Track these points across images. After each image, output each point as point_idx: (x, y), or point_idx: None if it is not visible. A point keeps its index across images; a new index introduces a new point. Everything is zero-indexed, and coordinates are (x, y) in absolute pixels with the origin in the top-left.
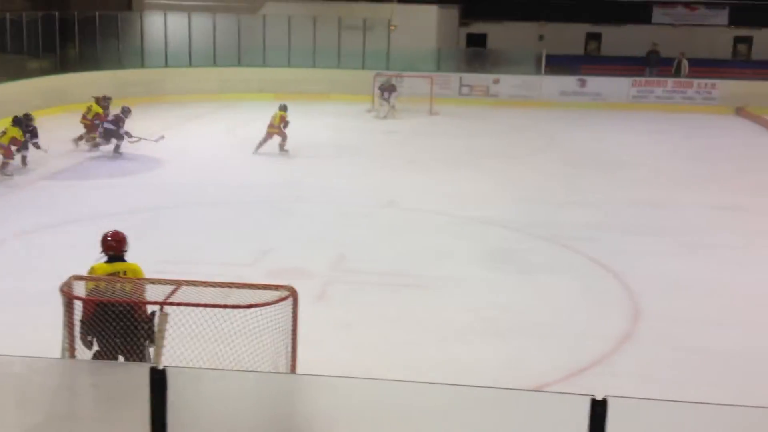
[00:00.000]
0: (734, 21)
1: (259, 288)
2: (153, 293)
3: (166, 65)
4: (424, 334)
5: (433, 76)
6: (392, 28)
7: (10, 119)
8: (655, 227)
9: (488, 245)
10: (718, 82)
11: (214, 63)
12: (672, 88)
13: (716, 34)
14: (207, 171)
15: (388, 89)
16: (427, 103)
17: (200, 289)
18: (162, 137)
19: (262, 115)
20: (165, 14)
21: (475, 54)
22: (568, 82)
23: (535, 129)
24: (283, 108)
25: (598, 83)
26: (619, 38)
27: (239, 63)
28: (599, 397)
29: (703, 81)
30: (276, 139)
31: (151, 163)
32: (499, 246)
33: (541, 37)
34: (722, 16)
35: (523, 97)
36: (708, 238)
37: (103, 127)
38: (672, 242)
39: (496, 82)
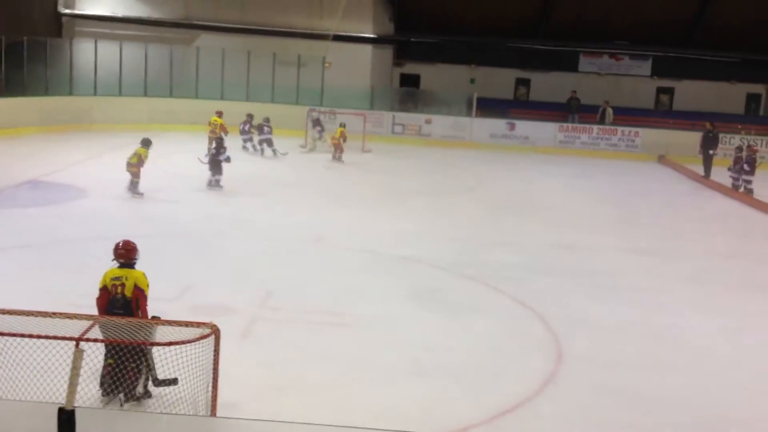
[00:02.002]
0: (657, 72)
1: (180, 325)
2: (68, 329)
3: (95, 93)
4: (349, 374)
5: (367, 113)
6: (327, 65)
7: None
8: (577, 269)
9: (414, 284)
10: (641, 130)
11: (145, 93)
12: (597, 134)
13: (640, 84)
14: (131, 202)
15: (316, 123)
16: (360, 140)
17: (118, 324)
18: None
19: (191, 146)
20: (96, 42)
21: (409, 94)
22: (498, 125)
23: (465, 169)
24: (146, 144)
25: (526, 127)
26: (547, 84)
27: (170, 94)
28: None
29: (626, 129)
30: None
31: (74, 193)
32: (425, 285)
33: (472, 80)
34: (645, 67)
35: (454, 138)
36: (627, 280)
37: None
38: (593, 284)
39: (429, 122)
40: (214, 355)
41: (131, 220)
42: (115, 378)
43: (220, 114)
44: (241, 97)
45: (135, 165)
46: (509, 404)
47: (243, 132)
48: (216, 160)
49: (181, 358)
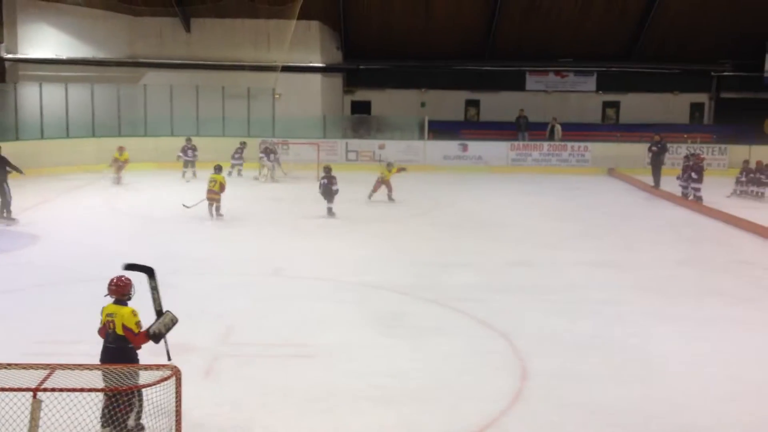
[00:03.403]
0: (602, 87)
1: (139, 368)
2: (25, 379)
3: (42, 137)
4: (315, 406)
5: (320, 142)
6: (276, 96)
7: None
8: (536, 286)
9: (376, 310)
10: (590, 144)
11: (93, 134)
12: (548, 151)
13: (586, 99)
14: (84, 245)
15: (266, 152)
16: (314, 169)
17: (76, 372)
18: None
19: (143, 185)
20: (41, 85)
21: (360, 120)
22: (451, 146)
23: (420, 193)
24: (219, 170)
25: (479, 147)
26: (496, 104)
27: (119, 133)
28: None
29: (576, 144)
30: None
31: (26, 239)
32: (386, 310)
33: (423, 104)
34: (590, 83)
35: (408, 162)
36: (585, 294)
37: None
38: (552, 300)
39: (382, 147)
40: (176, 397)
41: (85, 264)
42: (106, 412)
43: (121, 149)
44: (191, 132)
45: (217, 192)
46: (478, 425)
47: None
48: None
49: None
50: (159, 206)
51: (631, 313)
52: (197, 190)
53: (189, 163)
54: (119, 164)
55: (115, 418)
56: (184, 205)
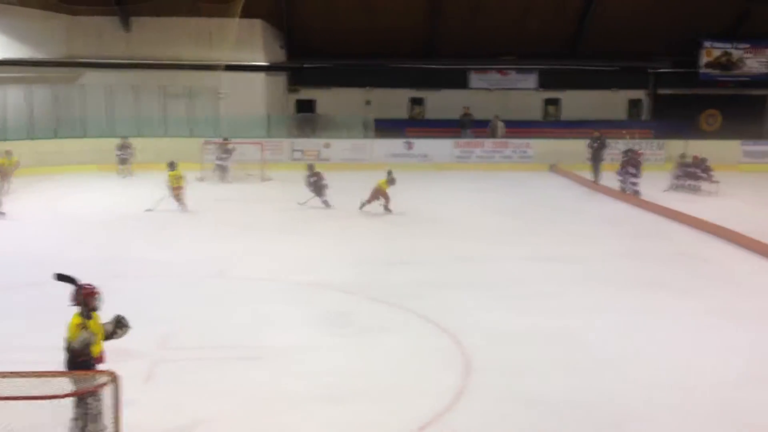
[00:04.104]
0: (543, 84)
1: (78, 375)
2: None
3: None
4: (261, 408)
5: (264, 142)
6: (219, 95)
7: None
8: (481, 281)
9: (321, 309)
10: (531, 141)
11: (29, 136)
12: (491, 148)
13: (527, 97)
14: (23, 250)
15: (225, 151)
16: (259, 168)
17: (12, 380)
18: None
19: (83, 187)
20: None
21: (305, 119)
22: (396, 144)
23: (366, 191)
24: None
25: (424, 145)
26: (441, 102)
27: (56, 135)
28: None
29: (518, 141)
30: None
31: None
32: (332, 309)
33: (368, 102)
34: (532, 80)
35: (354, 160)
36: (529, 288)
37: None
38: (497, 294)
39: (327, 146)
40: (115, 403)
41: (21, 267)
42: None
43: (9, 153)
44: (132, 133)
45: (182, 186)
46: (425, 421)
47: None
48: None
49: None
50: (99, 209)
51: (573, 306)
52: (137, 190)
53: (124, 161)
54: (4, 170)
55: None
56: (147, 210)
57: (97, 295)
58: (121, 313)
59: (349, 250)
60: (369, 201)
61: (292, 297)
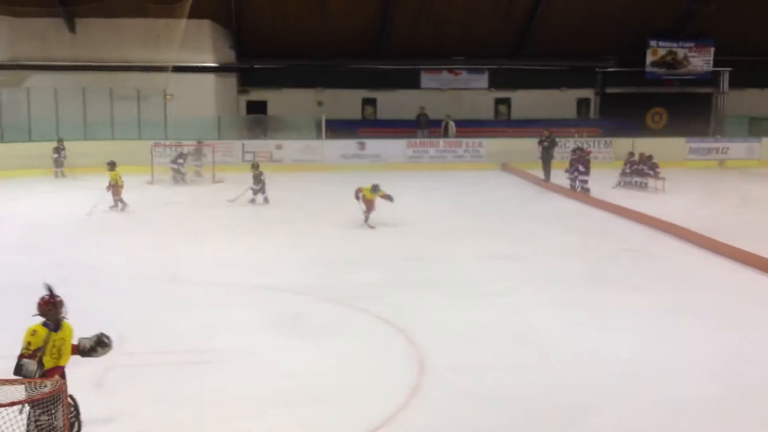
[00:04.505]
0: (493, 84)
1: (22, 383)
2: None
3: None
4: (215, 413)
5: (215, 143)
6: (168, 97)
7: None
8: (434, 280)
9: (276, 312)
10: (483, 140)
11: None
12: (444, 147)
13: (478, 96)
14: None
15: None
16: (210, 171)
17: None
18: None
19: (28, 192)
20: None
21: (256, 121)
22: (349, 145)
23: (320, 192)
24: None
25: (376, 145)
26: (393, 103)
27: (2, 139)
28: None
29: (470, 140)
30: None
31: None
32: (286, 312)
33: (320, 103)
34: (483, 80)
35: (307, 162)
36: (482, 286)
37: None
38: (450, 293)
39: (279, 147)
40: (63, 411)
41: None
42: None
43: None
44: (79, 137)
45: (122, 185)
46: (379, 421)
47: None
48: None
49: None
50: (46, 213)
51: (525, 303)
52: (83, 192)
53: (59, 163)
54: None
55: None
56: (229, 200)
57: (52, 305)
58: (104, 332)
59: (303, 251)
60: (368, 211)
61: (245, 300)
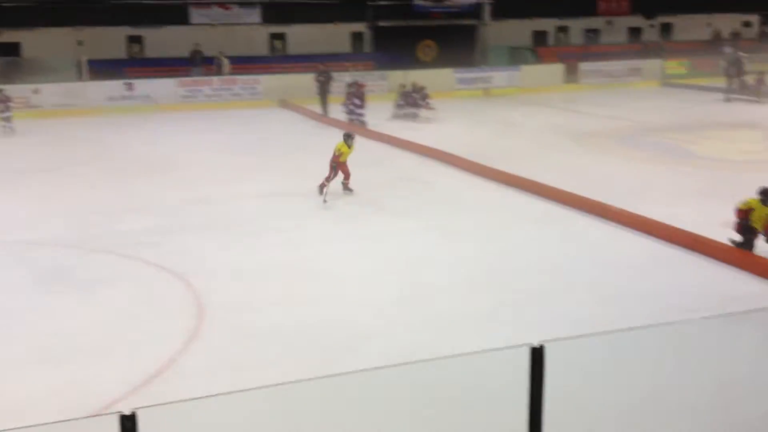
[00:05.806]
0: (267, 19)
1: None
2: None
3: None
4: None
5: None
6: None
7: None
8: (214, 222)
9: (38, 268)
10: (260, 77)
11: None
12: (218, 86)
13: (252, 32)
14: None
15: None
16: None
17: None
18: None
19: None
20: None
21: (10, 64)
22: (115, 86)
23: (84, 139)
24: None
25: (145, 86)
26: (161, 40)
27: None
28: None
29: (246, 77)
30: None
31: None
32: (50, 267)
33: (80, 43)
34: (255, 15)
35: (68, 106)
36: (264, 224)
37: None
38: (231, 235)
39: (37, 92)
40: None
41: None
42: None
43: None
44: None
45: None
46: (153, 370)
47: None
48: None
49: None
50: None
51: (306, 238)
52: None
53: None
54: None
55: None
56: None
57: None
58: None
59: (68, 202)
60: (329, 178)
61: (4, 258)
